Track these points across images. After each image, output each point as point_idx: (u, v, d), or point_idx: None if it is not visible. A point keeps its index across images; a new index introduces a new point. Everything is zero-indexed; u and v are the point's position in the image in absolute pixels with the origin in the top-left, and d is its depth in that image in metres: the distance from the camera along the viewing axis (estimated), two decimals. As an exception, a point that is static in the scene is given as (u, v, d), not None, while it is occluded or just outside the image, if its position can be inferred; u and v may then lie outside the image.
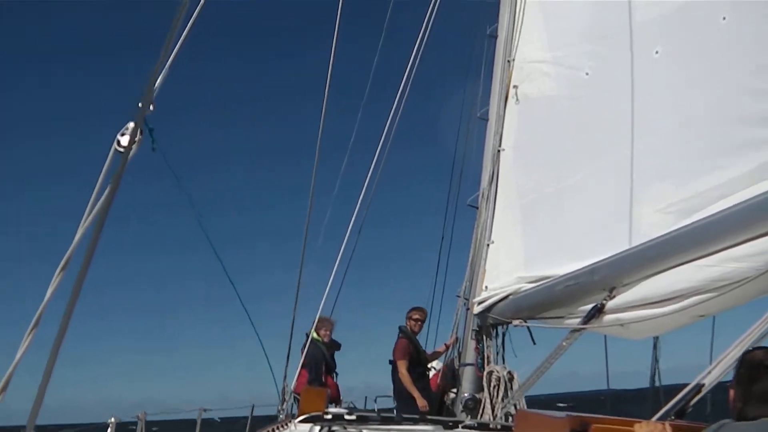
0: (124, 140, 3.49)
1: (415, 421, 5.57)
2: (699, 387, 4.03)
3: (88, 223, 3.36)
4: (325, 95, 9.14)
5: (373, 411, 6.80)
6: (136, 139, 3.49)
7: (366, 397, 11.47)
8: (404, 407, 9.23)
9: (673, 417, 3.80)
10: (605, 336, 7.43)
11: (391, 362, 9.91)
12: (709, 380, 4.05)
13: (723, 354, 4.09)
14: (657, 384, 7.65)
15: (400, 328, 9.91)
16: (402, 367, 9.61)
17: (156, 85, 3.72)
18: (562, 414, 3.64)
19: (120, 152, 3.49)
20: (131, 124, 3.55)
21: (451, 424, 5.27)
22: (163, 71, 3.78)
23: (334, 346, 10.55)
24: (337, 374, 10.43)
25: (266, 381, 9.17)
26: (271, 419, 7.83)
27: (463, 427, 5.03)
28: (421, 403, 9.15)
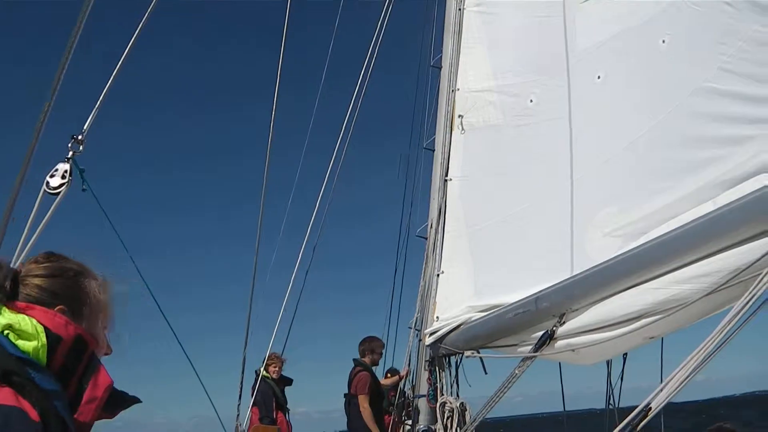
0: (54, 182, 3.41)
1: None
2: (647, 410, 4.02)
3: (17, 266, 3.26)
4: (270, 137, 9.04)
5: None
6: (66, 180, 3.41)
7: (323, 432, 11.38)
8: None
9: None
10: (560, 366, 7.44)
11: (347, 396, 9.81)
12: (657, 402, 4.04)
13: (670, 376, 4.10)
14: (612, 405, 7.63)
15: (357, 360, 9.83)
16: (365, 402, 9.53)
17: (86, 126, 3.66)
18: None
19: (50, 194, 3.40)
20: (62, 166, 3.47)
21: None
22: (94, 111, 3.73)
23: (285, 381, 10.45)
24: (288, 410, 10.31)
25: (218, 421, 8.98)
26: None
27: None
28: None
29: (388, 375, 11.08)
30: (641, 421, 3.98)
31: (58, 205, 3.34)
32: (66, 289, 1.76)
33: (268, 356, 10.03)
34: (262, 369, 9.39)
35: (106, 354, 1.84)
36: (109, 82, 4.09)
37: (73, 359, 1.57)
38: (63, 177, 3.39)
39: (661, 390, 4.05)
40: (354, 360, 10.00)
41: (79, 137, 3.55)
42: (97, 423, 1.79)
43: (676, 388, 4.02)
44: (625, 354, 7.03)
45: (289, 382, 10.57)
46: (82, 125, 3.75)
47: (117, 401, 1.86)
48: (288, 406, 10.30)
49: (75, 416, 1.54)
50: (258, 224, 8.85)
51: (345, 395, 9.99)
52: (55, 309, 1.67)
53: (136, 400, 1.90)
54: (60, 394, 1.48)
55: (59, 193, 3.35)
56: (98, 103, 3.76)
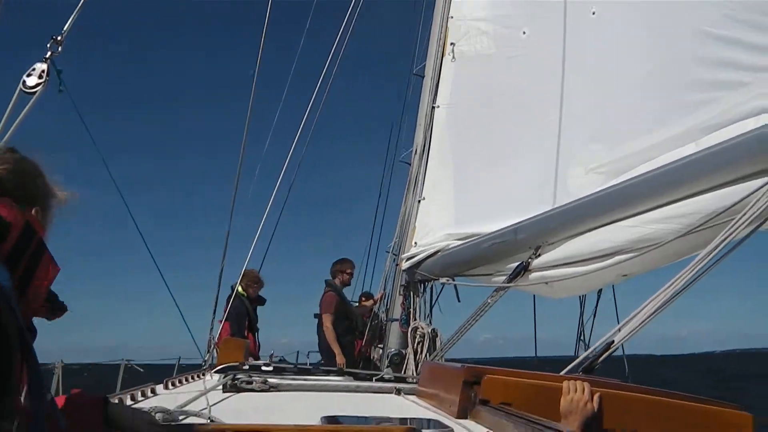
0: (31, 81, 3.37)
1: (329, 373, 5.55)
2: (609, 343, 4.09)
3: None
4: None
5: (294, 364, 6.75)
6: (44, 80, 3.37)
7: (298, 352, 11.49)
8: (329, 361, 9.28)
9: (580, 372, 3.85)
10: (534, 304, 7.54)
11: (316, 316, 9.91)
12: (619, 337, 4.10)
13: (634, 312, 4.15)
14: (584, 342, 7.73)
15: (327, 281, 9.91)
16: (327, 321, 9.65)
17: (65, 27, 3.61)
18: (460, 365, 3.65)
19: (26, 93, 3.37)
20: (39, 65, 3.43)
21: (366, 376, 5.25)
22: (75, 11, 3.66)
23: (258, 300, 10.50)
24: (258, 330, 10.39)
25: (198, 333, 9.08)
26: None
27: (376, 380, 5.02)
28: (340, 359, 9.21)
29: (363, 298, 11.18)
30: (602, 353, 4.04)
31: (34, 104, 3.31)
32: (17, 180, 1.76)
33: (251, 278, 10.08)
34: (238, 286, 9.45)
35: None
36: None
37: (23, 245, 1.58)
38: (40, 77, 3.35)
39: (625, 325, 4.11)
40: (325, 281, 10.08)
41: (59, 38, 3.50)
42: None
43: (640, 324, 4.08)
44: (599, 292, 7.12)
45: (262, 301, 10.64)
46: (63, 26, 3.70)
47: (57, 305, 1.90)
48: (258, 325, 10.41)
49: (22, 300, 1.55)
50: (246, 123, 8.85)
51: (315, 315, 10.08)
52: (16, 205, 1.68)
53: (65, 308, 1.97)
54: (6, 277, 1.49)
55: (35, 92, 3.32)
56: (80, 3, 3.68)
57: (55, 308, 1.95)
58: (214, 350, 8.07)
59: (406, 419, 3.29)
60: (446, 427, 2.84)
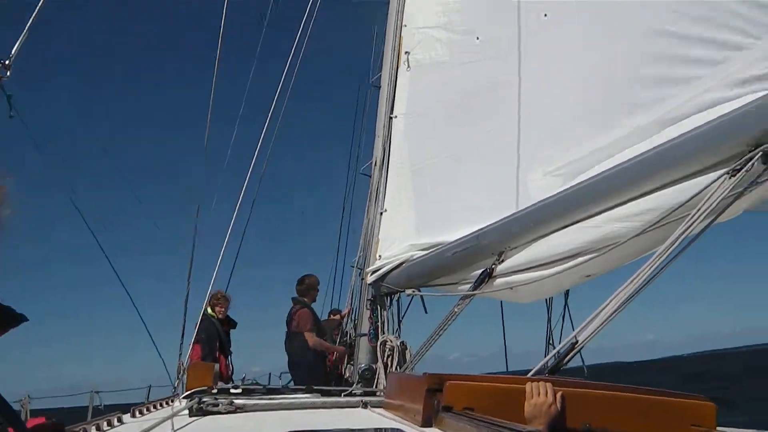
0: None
1: (297, 392, 5.48)
2: (573, 343, 4.06)
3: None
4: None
5: (263, 385, 6.65)
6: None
7: (270, 374, 11.35)
8: (304, 378, 9.16)
9: (546, 374, 3.81)
10: (503, 316, 7.52)
11: (288, 333, 9.76)
12: (584, 336, 4.08)
13: (596, 311, 4.13)
14: (552, 345, 7.69)
15: (296, 299, 9.80)
16: (311, 337, 9.52)
17: (13, 51, 3.52)
18: (422, 374, 3.61)
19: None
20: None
21: (334, 392, 5.19)
22: (21, 36, 3.58)
23: (230, 323, 10.36)
24: (231, 353, 10.24)
25: (169, 360, 8.95)
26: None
27: (345, 395, 4.95)
28: (341, 351, 9.11)
29: (331, 315, 11.09)
30: (567, 353, 4.02)
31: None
32: None
33: (213, 295, 9.96)
34: (206, 307, 9.33)
35: None
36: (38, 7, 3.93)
37: None
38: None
39: (588, 324, 4.08)
40: (293, 299, 9.96)
41: (6, 62, 3.42)
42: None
43: (602, 323, 4.05)
44: (567, 295, 7.11)
45: (233, 324, 10.49)
46: (10, 50, 3.62)
47: (6, 318, 1.80)
48: (231, 348, 10.27)
49: None
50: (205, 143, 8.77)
51: (288, 333, 9.95)
52: None
53: (23, 319, 1.84)
54: None
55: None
56: (27, 27, 3.61)
57: (6, 324, 1.85)
58: (184, 376, 7.95)
59: (367, 430, 3.23)
60: (407, 435, 2.79)
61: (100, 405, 8.48)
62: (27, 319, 1.86)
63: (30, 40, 3.72)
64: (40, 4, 3.87)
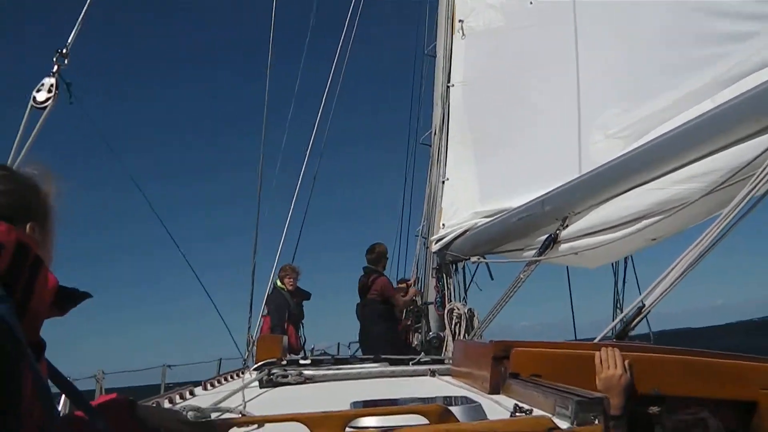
0: (41, 96, 3.42)
1: (366, 361, 5.57)
2: (640, 308, 4.05)
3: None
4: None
5: (332, 356, 6.76)
6: (53, 94, 3.41)
7: (339, 344, 11.48)
8: (374, 348, 9.22)
9: (613, 339, 3.82)
10: (570, 285, 7.51)
11: (364, 302, 9.76)
12: (650, 300, 4.06)
13: (662, 275, 4.10)
14: (620, 310, 7.67)
15: (370, 269, 9.84)
16: (400, 298, 9.57)
17: (71, 39, 3.64)
18: (488, 341, 3.65)
19: (37, 108, 3.41)
20: (47, 80, 3.47)
21: (402, 361, 5.26)
22: (77, 24, 3.70)
23: (302, 295, 10.48)
24: (303, 325, 10.37)
25: (237, 332, 9.14)
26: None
27: (413, 364, 5.03)
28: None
29: (399, 284, 11.13)
30: (635, 318, 4.01)
31: (45, 119, 3.36)
32: (19, 200, 1.76)
33: (282, 268, 10.12)
34: (276, 279, 9.48)
35: None
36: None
37: (18, 264, 1.58)
38: (49, 91, 3.39)
39: (654, 288, 4.06)
40: (365, 268, 9.99)
41: (64, 51, 3.54)
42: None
43: (669, 287, 4.04)
44: (630, 259, 7.06)
45: (307, 296, 10.62)
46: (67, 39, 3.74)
47: (67, 299, 1.90)
48: (303, 320, 10.38)
49: (24, 320, 1.57)
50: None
51: (360, 302, 9.96)
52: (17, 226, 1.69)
53: (86, 296, 1.93)
54: (4, 298, 1.50)
55: (46, 107, 3.36)
56: (81, 15, 3.73)
57: (67, 304, 1.93)
58: (254, 348, 8.12)
59: (435, 398, 3.29)
60: (474, 402, 2.85)
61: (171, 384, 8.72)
62: (90, 296, 1.94)
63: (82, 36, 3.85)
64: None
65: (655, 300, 4.06)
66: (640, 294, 4.39)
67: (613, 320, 6.99)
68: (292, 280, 10.22)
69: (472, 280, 7.51)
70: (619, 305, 7.25)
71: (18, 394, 1.42)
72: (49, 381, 1.75)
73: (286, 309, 9.87)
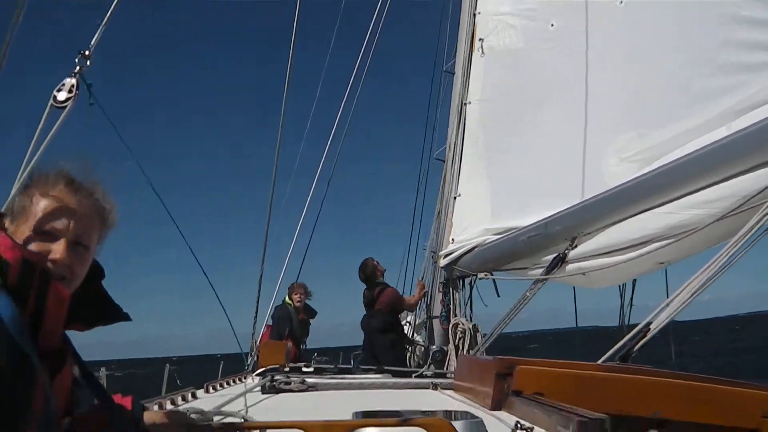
0: (61, 96, 3.45)
1: (369, 372, 5.59)
2: (646, 330, 4.06)
3: (25, 180, 3.32)
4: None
5: (334, 365, 6.78)
6: (73, 94, 3.45)
7: (341, 353, 11.47)
8: (381, 356, 9.21)
9: (617, 361, 3.83)
10: (575, 305, 7.49)
11: (371, 313, 9.76)
12: (656, 323, 4.07)
13: (670, 297, 4.12)
14: (625, 323, 7.63)
15: (373, 283, 9.85)
16: (412, 303, 9.56)
17: (93, 40, 3.68)
18: (492, 358, 3.66)
19: (57, 108, 3.45)
20: (68, 80, 3.50)
21: (405, 373, 5.29)
22: (102, 26, 3.75)
23: (309, 312, 10.56)
24: (305, 343, 10.46)
25: (241, 338, 9.17)
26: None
27: (416, 376, 5.05)
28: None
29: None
30: (639, 340, 4.02)
31: (65, 119, 3.39)
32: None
33: (295, 286, 10.27)
34: (284, 296, 9.62)
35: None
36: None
37: (25, 279, 1.57)
38: (70, 91, 3.43)
39: (661, 310, 4.08)
40: (374, 281, 9.97)
41: (86, 52, 3.58)
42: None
43: (676, 309, 4.05)
44: (634, 281, 7.06)
45: (313, 314, 10.73)
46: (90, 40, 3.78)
47: (100, 315, 1.89)
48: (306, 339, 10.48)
49: (40, 333, 1.57)
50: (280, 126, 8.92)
51: (366, 314, 9.95)
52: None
53: (122, 318, 1.92)
54: (12, 315, 1.48)
55: (66, 107, 3.39)
56: (106, 18, 3.77)
57: (98, 320, 1.90)
58: (256, 354, 8.16)
59: (437, 412, 3.31)
60: (476, 417, 2.86)
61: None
62: (128, 318, 1.95)
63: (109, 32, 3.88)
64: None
65: (661, 323, 4.08)
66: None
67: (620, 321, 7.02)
68: (299, 296, 10.32)
69: (470, 295, 7.51)
70: (622, 315, 7.22)
71: (27, 405, 1.45)
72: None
73: (288, 323, 9.97)
